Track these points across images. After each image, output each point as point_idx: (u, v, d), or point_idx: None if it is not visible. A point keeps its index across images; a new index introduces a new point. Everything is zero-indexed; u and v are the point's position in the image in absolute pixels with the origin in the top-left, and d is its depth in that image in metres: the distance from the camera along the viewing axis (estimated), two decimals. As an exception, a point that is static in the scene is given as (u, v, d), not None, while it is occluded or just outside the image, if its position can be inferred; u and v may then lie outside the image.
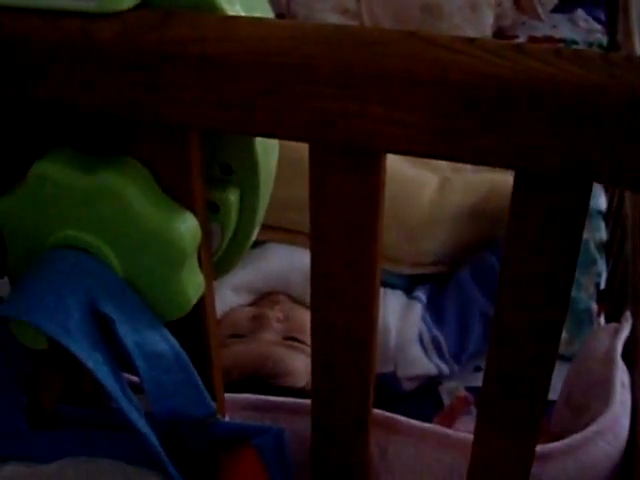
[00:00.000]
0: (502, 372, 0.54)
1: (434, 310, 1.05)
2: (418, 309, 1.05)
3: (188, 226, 0.53)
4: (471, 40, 0.44)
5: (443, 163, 1.21)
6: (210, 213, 0.57)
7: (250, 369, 0.92)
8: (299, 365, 0.93)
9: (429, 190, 1.11)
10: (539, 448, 0.62)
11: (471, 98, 0.42)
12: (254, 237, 0.62)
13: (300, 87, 0.45)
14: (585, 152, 0.42)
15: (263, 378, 0.92)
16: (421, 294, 1.08)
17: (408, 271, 1.10)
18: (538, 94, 0.41)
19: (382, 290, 1.03)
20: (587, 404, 0.73)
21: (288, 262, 1.07)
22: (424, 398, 1.02)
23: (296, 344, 0.95)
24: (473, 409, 0.97)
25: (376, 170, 0.49)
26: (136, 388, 0.56)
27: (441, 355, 1.02)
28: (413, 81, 0.43)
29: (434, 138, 0.44)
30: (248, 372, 0.92)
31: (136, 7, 0.49)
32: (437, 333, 1.03)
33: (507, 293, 0.51)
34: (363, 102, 0.44)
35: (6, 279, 1.07)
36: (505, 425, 0.57)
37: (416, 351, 1.02)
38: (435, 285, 1.10)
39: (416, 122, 0.44)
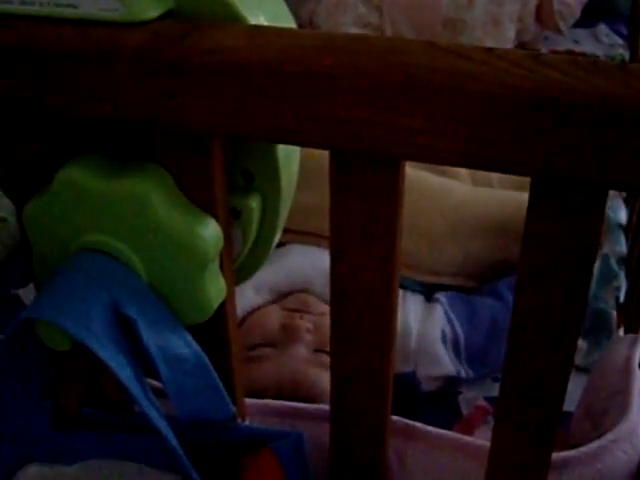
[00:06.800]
0: (518, 380, 0.55)
1: (462, 308, 1.06)
2: (439, 310, 1.05)
3: (210, 231, 0.54)
4: (490, 50, 0.45)
5: (469, 177, 1.21)
6: (232, 219, 0.58)
7: (287, 391, 0.92)
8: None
9: (454, 200, 1.12)
10: (556, 456, 0.63)
11: (489, 107, 0.43)
12: (275, 243, 0.62)
13: (321, 96, 0.45)
14: (601, 160, 0.42)
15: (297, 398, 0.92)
16: (441, 297, 1.08)
17: (427, 279, 1.11)
18: (555, 103, 0.42)
19: (402, 292, 1.04)
20: (605, 414, 0.74)
21: (309, 261, 1.08)
22: (443, 408, 1.02)
23: (326, 359, 0.95)
24: (491, 419, 0.97)
25: (395, 177, 0.50)
26: (158, 392, 0.57)
27: (458, 356, 1.03)
28: (432, 90, 0.44)
29: (452, 146, 0.45)
30: (285, 394, 0.92)
31: (161, 17, 0.50)
32: (459, 332, 1.03)
33: (523, 300, 0.51)
34: (383, 110, 0.45)
35: (31, 287, 1.09)
36: (521, 433, 0.57)
37: (439, 349, 1.02)
38: (457, 290, 1.10)
39: (435, 130, 0.44)
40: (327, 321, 0.98)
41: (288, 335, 0.98)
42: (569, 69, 0.43)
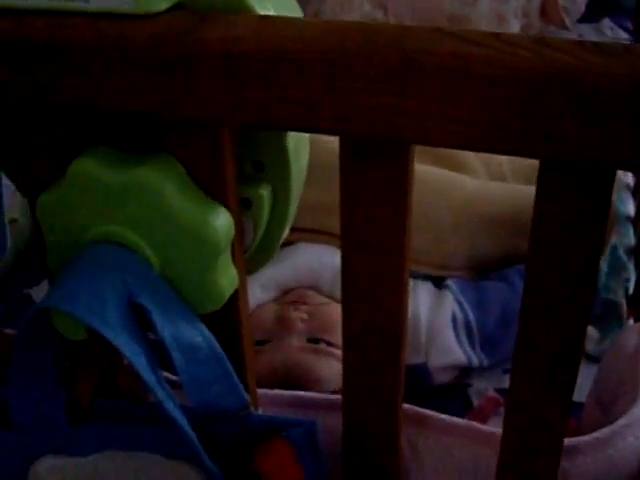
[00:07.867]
0: (529, 364, 0.55)
1: (472, 293, 1.06)
2: (449, 295, 1.05)
3: (222, 221, 0.54)
4: (496, 34, 0.45)
5: (485, 171, 1.21)
6: (243, 209, 0.58)
7: (280, 379, 0.93)
8: (327, 372, 0.93)
9: (463, 193, 1.11)
10: (567, 442, 0.63)
11: (496, 90, 0.43)
12: (286, 233, 0.63)
13: (331, 82, 0.46)
14: (608, 141, 0.43)
15: (293, 386, 0.92)
16: (450, 282, 1.08)
17: (433, 272, 1.10)
18: (560, 84, 0.42)
19: (412, 281, 1.04)
20: (615, 401, 0.74)
21: (317, 259, 1.08)
22: (454, 400, 1.02)
23: (322, 347, 0.96)
24: (502, 410, 0.97)
25: (405, 161, 0.50)
26: (171, 384, 0.58)
27: (471, 341, 1.02)
28: (440, 74, 0.44)
29: (460, 129, 0.45)
30: (279, 381, 0.92)
31: (171, 9, 0.51)
32: (471, 316, 1.03)
33: (533, 283, 0.52)
34: (391, 95, 0.45)
35: (43, 286, 1.10)
36: (533, 418, 0.58)
37: (449, 337, 1.02)
38: (467, 277, 1.10)
39: (443, 114, 0.45)
40: (323, 310, 1.00)
41: (282, 327, 0.98)
42: (574, 51, 0.44)
